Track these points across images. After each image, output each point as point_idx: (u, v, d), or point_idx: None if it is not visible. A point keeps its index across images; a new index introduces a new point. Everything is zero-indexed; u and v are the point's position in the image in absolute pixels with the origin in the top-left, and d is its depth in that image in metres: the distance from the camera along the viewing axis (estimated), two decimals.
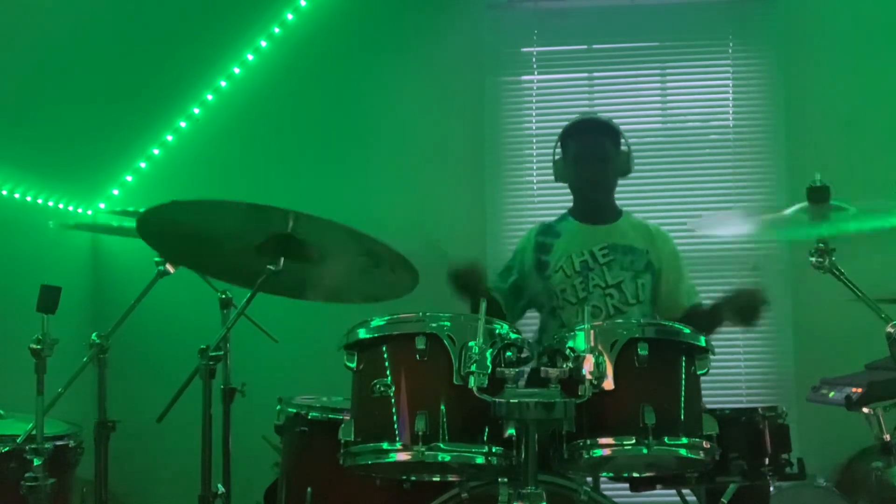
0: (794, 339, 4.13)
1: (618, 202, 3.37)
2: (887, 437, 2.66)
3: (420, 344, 2.14)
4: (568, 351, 2.17)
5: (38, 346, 2.43)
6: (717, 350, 2.30)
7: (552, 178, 3.35)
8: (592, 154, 3.20)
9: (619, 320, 2.31)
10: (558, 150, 3.29)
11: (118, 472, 3.08)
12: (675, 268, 3.25)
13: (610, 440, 2.15)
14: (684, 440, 2.17)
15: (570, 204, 3.35)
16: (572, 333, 2.21)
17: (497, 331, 2.19)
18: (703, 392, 2.30)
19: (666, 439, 2.14)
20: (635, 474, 2.48)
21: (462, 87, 4.32)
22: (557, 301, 3.18)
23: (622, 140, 3.25)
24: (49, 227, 3.86)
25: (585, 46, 4.40)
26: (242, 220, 2.54)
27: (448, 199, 4.30)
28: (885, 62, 4.17)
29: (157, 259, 2.92)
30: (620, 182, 3.31)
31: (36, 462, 2.41)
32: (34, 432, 2.43)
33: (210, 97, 4.40)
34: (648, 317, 3.16)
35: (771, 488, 2.93)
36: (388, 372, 2.18)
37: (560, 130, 3.32)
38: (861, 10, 4.20)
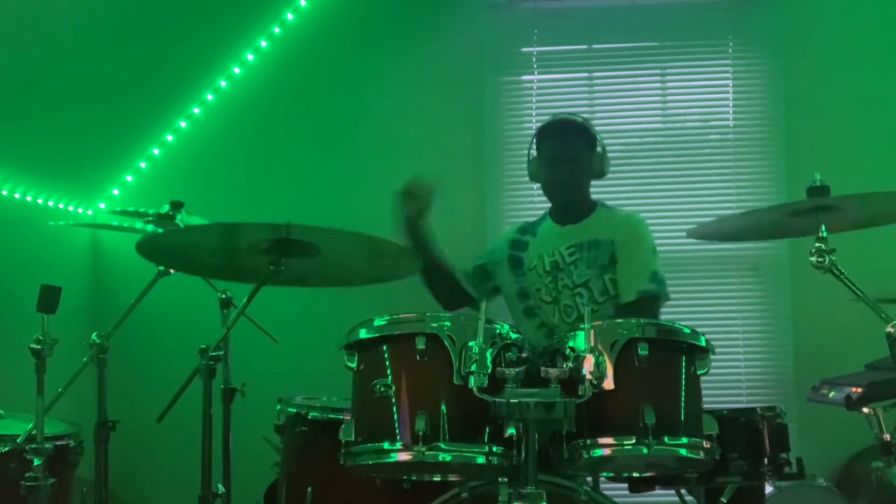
0: (794, 339, 4.13)
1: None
2: (887, 437, 2.65)
3: (420, 344, 2.15)
4: (568, 351, 2.17)
5: (38, 346, 2.43)
6: (717, 350, 2.30)
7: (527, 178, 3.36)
8: (564, 157, 3.19)
9: (619, 320, 2.30)
10: (533, 150, 3.28)
11: (118, 472, 3.08)
12: (631, 251, 3.10)
13: (610, 440, 2.15)
14: (684, 440, 2.17)
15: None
16: (572, 334, 2.21)
17: (497, 331, 2.20)
18: (703, 392, 2.30)
19: (666, 439, 2.14)
20: (635, 474, 2.49)
21: (462, 87, 4.32)
22: (534, 300, 3.20)
23: (597, 142, 3.23)
24: (50, 225, 3.86)
25: (585, 46, 4.39)
26: (238, 234, 2.56)
27: (448, 199, 4.28)
28: (885, 62, 4.17)
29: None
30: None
31: (36, 462, 2.41)
32: (34, 432, 2.43)
33: (210, 97, 4.39)
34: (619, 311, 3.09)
35: (769, 488, 2.94)
36: (388, 372, 2.18)
37: None
38: (861, 10, 4.20)
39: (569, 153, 3.19)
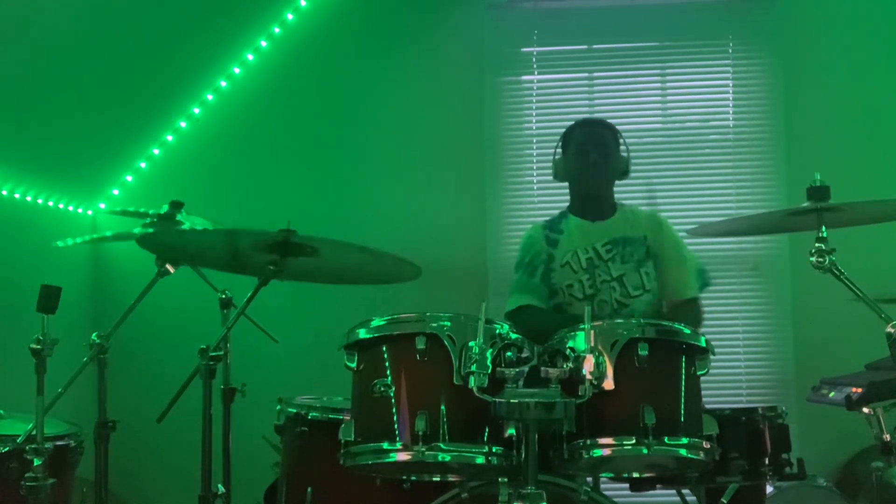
0: (794, 339, 4.13)
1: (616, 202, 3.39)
2: (887, 437, 2.66)
3: (420, 344, 2.15)
4: (568, 351, 2.17)
5: (38, 346, 2.43)
6: (717, 350, 2.31)
7: (552, 178, 3.38)
8: (594, 143, 3.26)
9: (620, 320, 2.30)
10: (559, 150, 3.33)
11: (118, 472, 3.08)
12: (677, 256, 3.26)
13: (610, 440, 2.15)
14: (684, 440, 2.17)
15: (568, 203, 3.38)
16: (572, 334, 2.21)
17: (497, 331, 2.20)
18: (703, 392, 2.30)
19: (666, 439, 2.14)
20: (635, 474, 2.48)
21: (462, 87, 4.32)
22: (564, 297, 3.21)
23: (622, 143, 3.30)
24: (52, 232, 3.85)
25: (585, 46, 4.39)
26: (237, 238, 2.56)
27: (448, 199, 4.30)
28: (885, 62, 4.17)
29: (157, 259, 2.92)
30: (622, 183, 3.33)
31: (36, 462, 2.40)
32: (34, 432, 2.43)
33: (210, 97, 4.39)
34: (656, 304, 3.20)
35: (769, 488, 2.94)
36: (388, 372, 2.19)
37: (560, 130, 3.37)
38: (861, 10, 4.20)
39: (598, 142, 3.26)
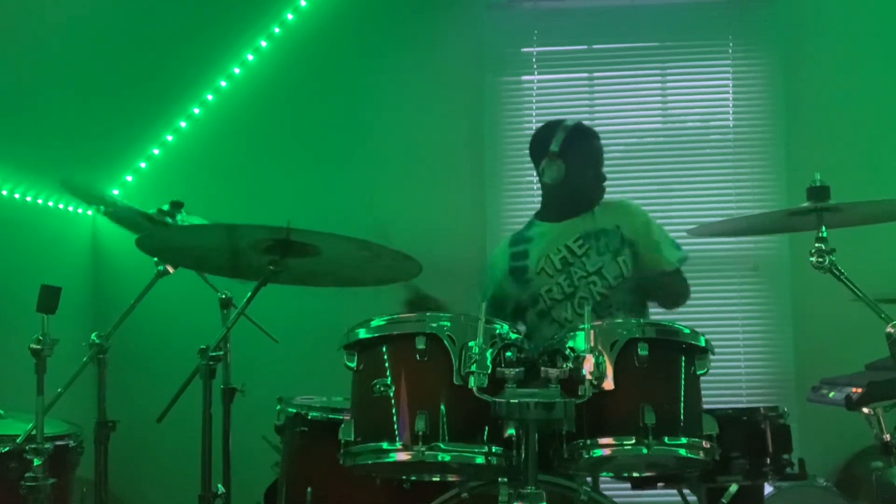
0: (794, 339, 4.13)
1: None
2: (887, 437, 2.65)
3: (420, 344, 2.15)
4: (568, 351, 2.17)
5: (38, 346, 2.43)
6: (717, 350, 2.31)
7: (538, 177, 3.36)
8: (577, 171, 3.21)
9: (619, 320, 2.30)
10: (554, 149, 3.28)
11: (118, 472, 3.08)
12: (648, 239, 3.21)
13: (610, 440, 2.15)
14: (684, 440, 2.17)
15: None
16: (572, 334, 2.21)
17: (497, 331, 2.20)
18: (703, 392, 2.30)
19: (666, 439, 2.14)
20: (635, 474, 2.49)
21: (462, 87, 4.32)
22: (545, 302, 3.20)
23: (598, 143, 3.30)
24: (51, 224, 3.85)
25: (585, 46, 4.39)
26: (238, 235, 2.57)
27: (448, 198, 4.30)
28: (885, 62, 4.17)
29: (156, 259, 2.92)
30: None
31: (36, 462, 2.41)
32: (34, 432, 2.43)
33: (210, 97, 4.40)
34: (631, 285, 3.16)
35: (768, 488, 2.94)
36: (388, 372, 2.19)
37: None
38: (861, 10, 4.20)
39: (581, 169, 3.22)
